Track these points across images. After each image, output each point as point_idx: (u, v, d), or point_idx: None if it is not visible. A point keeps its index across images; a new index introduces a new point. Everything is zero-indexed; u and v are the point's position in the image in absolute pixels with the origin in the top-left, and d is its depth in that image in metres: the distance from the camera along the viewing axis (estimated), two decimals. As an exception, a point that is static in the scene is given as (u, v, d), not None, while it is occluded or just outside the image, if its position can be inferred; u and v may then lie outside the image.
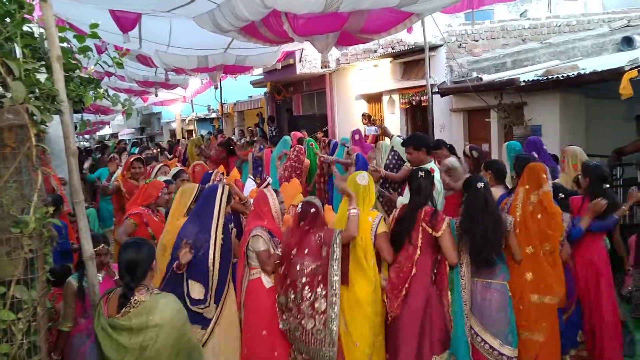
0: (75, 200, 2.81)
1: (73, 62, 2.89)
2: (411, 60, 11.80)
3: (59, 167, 7.01)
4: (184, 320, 2.94)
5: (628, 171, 7.40)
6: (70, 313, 3.76)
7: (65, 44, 2.83)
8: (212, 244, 3.99)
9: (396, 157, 6.35)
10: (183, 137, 21.58)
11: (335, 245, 3.88)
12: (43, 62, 2.59)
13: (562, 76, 7.71)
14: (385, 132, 7.32)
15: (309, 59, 14.52)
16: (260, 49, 7.83)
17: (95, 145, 22.51)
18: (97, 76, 7.30)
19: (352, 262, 4.03)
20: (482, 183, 4.12)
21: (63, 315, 3.78)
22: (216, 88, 12.28)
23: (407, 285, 3.98)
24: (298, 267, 3.99)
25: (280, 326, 4.09)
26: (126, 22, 6.07)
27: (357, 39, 6.25)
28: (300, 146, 9.26)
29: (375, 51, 12.82)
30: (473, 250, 4.00)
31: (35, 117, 2.42)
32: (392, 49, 12.29)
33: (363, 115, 12.93)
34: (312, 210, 4.10)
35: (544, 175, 4.26)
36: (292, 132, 10.56)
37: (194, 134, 24.02)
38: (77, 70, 3.00)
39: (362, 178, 4.19)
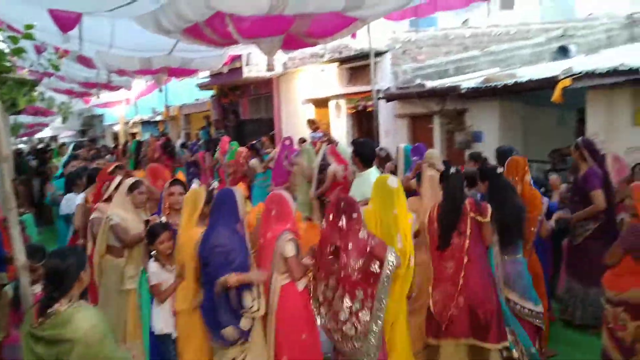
0: (8, 207, 2.70)
1: (7, 64, 2.79)
2: (357, 66, 11.94)
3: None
4: (101, 336, 2.75)
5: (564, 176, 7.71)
6: (4, 322, 3.62)
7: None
8: (248, 248, 3.94)
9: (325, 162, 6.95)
10: (127, 141, 21.09)
11: (389, 265, 3.84)
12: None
13: (501, 84, 7.98)
14: (329, 139, 7.40)
15: (256, 62, 14.46)
16: (206, 51, 7.73)
17: (38, 147, 21.77)
18: (36, 77, 7.05)
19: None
20: (501, 169, 4.68)
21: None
22: (160, 91, 12.06)
23: (462, 274, 4.09)
24: (338, 268, 3.86)
25: (318, 322, 4.02)
26: (66, 22, 5.87)
27: (303, 42, 6.25)
28: (245, 149, 9.74)
29: (322, 56, 12.90)
30: (504, 230, 4.37)
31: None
32: (339, 54, 12.41)
33: (308, 121, 12.97)
34: (344, 205, 3.93)
35: (527, 167, 4.93)
36: (222, 137, 10.92)
37: (137, 137, 23.47)
38: (11, 73, 2.89)
39: (393, 181, 4.24)
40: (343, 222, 3.86)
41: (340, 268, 3.83)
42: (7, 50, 2.98)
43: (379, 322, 3.86)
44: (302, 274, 4.08)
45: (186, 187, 4.93)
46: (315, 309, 4.06)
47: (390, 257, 3.83)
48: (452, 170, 4.50)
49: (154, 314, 4.20)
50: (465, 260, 4.12)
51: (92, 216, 5.29)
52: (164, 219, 4.60)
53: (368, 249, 3.84)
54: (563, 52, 10.75)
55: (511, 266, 4.51)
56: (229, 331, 3.75)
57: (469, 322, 4.07)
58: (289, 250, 4.00)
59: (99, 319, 2.81)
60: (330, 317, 3.91)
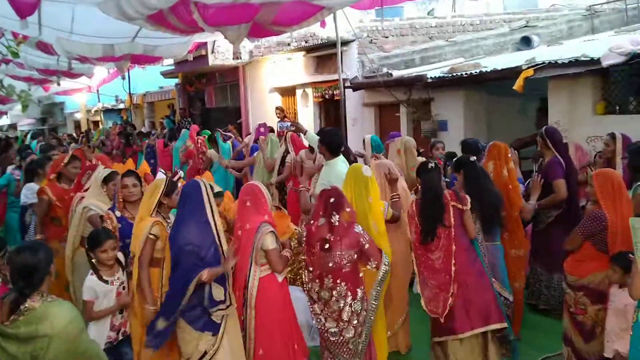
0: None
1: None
2: (324, 55, 11.91)
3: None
4: (78, 331, 2.76)
5: (525, 165, 7.87)
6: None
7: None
8: (218, 242, 3.80)
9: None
10: (89, 129, 20.66)
11: (384, 268, 4.03)
12: None
13: (466, 74, 8.08)
14: (297, 128, 7.37)
15: (222, 50, 14.27)
16: (170, 39, 7.61)
17: None
18: (-7, 60, 6.83)
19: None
20: (474, 158, 4.77)
21: None
22: (123, 79, 11.84)
23: (453, 262, 4.13)
24: (331, 263, 3.88)
25: (314, 323, 4.08)
26: (24, 7, 5.68)
27: (270, 30, 6.20)
28: (202, 137, 9.74)
29: (288, 44, 12.83)
30: (485, 216, 4.50)
31: None
32: (306, 42, 12.37)
33: (277, 108, 12.93)
34: (332, 200, 3.95)
35: (509, 155, 5.09)
36: (192, 125, 10.84)
37: (100, 125, 23.01)
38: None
39: (367, 170, 4.35)
40: (335, 218, 3.90)
41: (333, 262, 3.87)
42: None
43: (371, 319, 4.05)
44: (283, 266, 4.09)
45: (140, 178, 4.79)
46: (310, 308, 4.09)
47: (386, 261, 4.03)
48: (430, 164, 4.51)
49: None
50: (454, 248, 4.15)
51: (89, 214, 4.95)
52: (118, 213, 4.45)
53: (361, 243, 3.93)
54: (526, 42, 10.92)
55: (493, 252, 4.68)
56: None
57: (467, 314, 4.11)
58: (270, 242, 3.98)
59: (75, 313, 2.79)
60: (329, 317, 3.94)
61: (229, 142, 10.03)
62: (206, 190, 3.88)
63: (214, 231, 3.81)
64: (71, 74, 11.25)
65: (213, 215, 3.83)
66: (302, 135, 7.39)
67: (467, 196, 4.31)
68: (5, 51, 3.03)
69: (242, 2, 4.77)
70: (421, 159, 6.40)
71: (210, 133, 10.49)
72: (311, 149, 6.93)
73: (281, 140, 7.96)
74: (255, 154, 8.48)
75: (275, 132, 10.23)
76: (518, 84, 6.93)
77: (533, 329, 5.29)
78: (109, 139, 14.88)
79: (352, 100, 11.23)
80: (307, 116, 13.02)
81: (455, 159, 5.35)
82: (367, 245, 3.96)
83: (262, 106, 14.73)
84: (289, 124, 8.58)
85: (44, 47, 8.01)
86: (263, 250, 3.98)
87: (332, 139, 5.58)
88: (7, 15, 5.64)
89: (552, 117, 7.35)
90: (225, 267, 3.76)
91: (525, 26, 11.74)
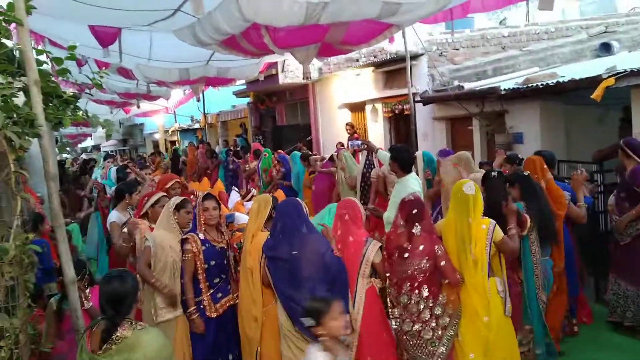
0: (55, 224, 2.77)
1: (51, 84, 2.86)
2: (393, 69, 11.86)
3: (39, 184, 6.88)
4: (169, 356, 2.83)
5: (609, 177, 7.49)
6: (51, 334, 3.72)
7: (44, 66, 2.81)
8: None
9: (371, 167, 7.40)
10: (165, 149, 21.48)
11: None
12: (21, 87, 2.56)
13: (541, 84, 7.80)
14: (369, 146, 7.36)
15: (292, 69, 14.55)
16: (242, 60, 7.82)
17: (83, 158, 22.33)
18: (77, 89, 7.24)
19: (465, 271, 3.99)
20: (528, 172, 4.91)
21: (45, 336, 3.74)
22: (198, 100, 12.23)
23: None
24: (409, 271, 3.98)
25: (393, 325, 4.13)
26: (106, 36, 6.03)
27: (338, 49, 6.26)
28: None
29: (357, 60, 12.88)
30: (542, 231, 4.61)
31: (13, 142, 2.39)
32: (374, 57, 12.37)
33: (347, 124, 12.98)
34: (415, 211, 4.07)
35: (545, 166, 5.13)
36: (253, 144, 11.15)
37: (177, 145, 23.88)
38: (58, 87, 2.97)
39: (470, 188, 4.18)
40: (417, 229, 4.00)
41: (411, 269, 3.96)
42: (50, 71, 3.07)
43: (455, 327, 3.99)
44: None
45: (219, 201, 4.86)
46: (391, 309, 4.15)
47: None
48: (493, 173, 4.50)
49: None
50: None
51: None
52: (201, 235, 4.51)
53: (436, 254, 3.96)
54: (606, 48, 10.46)
55: (542, 267, 4.69)
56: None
57: None
58: (379, 256, 4.13)
59: (164, 340, 2.86)
60: (407, 319, 4.01)
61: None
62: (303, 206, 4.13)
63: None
64: (150, 97, 11.78)
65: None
66: (373, 153, 7.39)
67: (528, 219, 4.38)
68: (89, 77, 3.22)
69: (311, 24, 4.83)
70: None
71: (271, 152, 10.70)
72: None
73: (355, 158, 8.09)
74: (336, 176, 8.49)
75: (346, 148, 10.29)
76: (597, 94, 6.61)
77: (617, 349, 5.04)
78: (189, 157, 15.52)
79: (423, 115, 11.09)
80: (377, 132, 12.98)
81: (508, 173, 5.31)
82: (443, 262, 3.95)
83: (332, 122, 14.83)
84: (360, 142, 8.56)
85: (125, 73, 8.43)
86: (371, 263, 4.10)
87: (403, 156, 5.55)
88: (90, 44, 5.98)
89: (637, 127, 6.96)
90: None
91: (605, 32, 11.25)
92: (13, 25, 2.60)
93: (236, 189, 9.40)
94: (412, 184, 5.38)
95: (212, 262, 4.46)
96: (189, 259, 4.40)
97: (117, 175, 10.50)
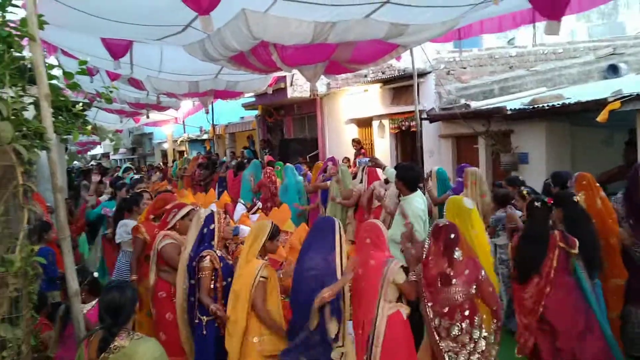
0: (61, 236, 2.82)
1: (61, 98, 2.93)
2: (401, 86, 11.93)
3: (48, 192, 6.94)
4: None
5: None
6: (55, 340, 3.76)
7: (55, 80, 2.87)
8: (339, 274, 3.83)
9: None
10: (173, 159, 21.60)
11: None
12: (32, 101, 2.63)
13: (547, 105, 7.83)
14: (376, 164, 7.40)
15: (300, 83, 14.61)
16: (251, 75, 7.90)
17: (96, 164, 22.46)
18: (88, 98, 7.34)
19: None
20: (577, 197, 4.74)
21: (53, 342, 3.78)
22: (207, 112, 12.36)
23: (543, 303, 4.18)
24: (456, 297, 3.84)
25: (442, 345, 3.92)
26: (117, 49, 6.12)
27: (345, 68, 6.34)
28: (271, 168, 10.34)
29: (365, 76, 12.95)
30: (587, 258, 4.42)
31: (22, 155, 2.44)
32: (382, 73, 12.44)
33: (353, 140, 13.02)
34: (452, 235, 3.90)
35: (597, 184, 5.11)
36: (266, 156, 11.20)
37: (185, 155, 24.01)
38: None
39: (468, 202, 4.24)
40: (458, 253, 3.83)
41: (457, 296, 3.81)
42: (62, 85, 3.14)
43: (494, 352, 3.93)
44: (415, 294, 4.02)
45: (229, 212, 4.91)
46: (437, 336, 3.94)
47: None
48: (537, 203, 4.45)
49: None
50: (547, 290, 4.18)
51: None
52: (219, 252, 4.51)
53: (479, 279, 3.85)
54: (613, 70, 10.49)
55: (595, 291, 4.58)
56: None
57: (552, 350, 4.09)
58: (401, 276, 3.97)
59: (161, 350, 2.89)
60: (464, 352, 3.86)
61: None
62: (340, 230, 3.97)
63: (338, 269, 3.84)
64: (159, 107, 11.88)
65: (341, 255, 3.89)
66: (379, 170, 7.44)
67: (576, 240, 4.27)
68: (100, 88, 3.29)
69: (319, 42, 4.90)
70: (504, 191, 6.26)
71: (283, 164, 10.74)
72: (386, 180, 6.97)
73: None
74: (331, 190, 8.53)
75: (352, 164, 10.37)
76: (602, 117, 6.63)
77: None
78: (187, 169, 15.61)
79: (429, 132, 11.13)
80: (384, 147, 13.03)
81: (556, 193, 5.25)
82: (490, 289, 3.89)
83: (338, 137, 14.88)
84: (367, 159, 8.63)
85: (135, 83, 8.53)
86: (394, 284, 3.95)
87: (409, 175, 5.58)
88: (101, 55, 6.07)
89: (642, 150, 6.98)
90: (344, 280, 3.78)
91: (612, 54, 11.27)
92: (26, 39, 2.67)
93: (242, 201, 9.44)
94: (417, 202, 5.41)
95: (229, 279, 4.36)
96: (206, 276, 4.36)
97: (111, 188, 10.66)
